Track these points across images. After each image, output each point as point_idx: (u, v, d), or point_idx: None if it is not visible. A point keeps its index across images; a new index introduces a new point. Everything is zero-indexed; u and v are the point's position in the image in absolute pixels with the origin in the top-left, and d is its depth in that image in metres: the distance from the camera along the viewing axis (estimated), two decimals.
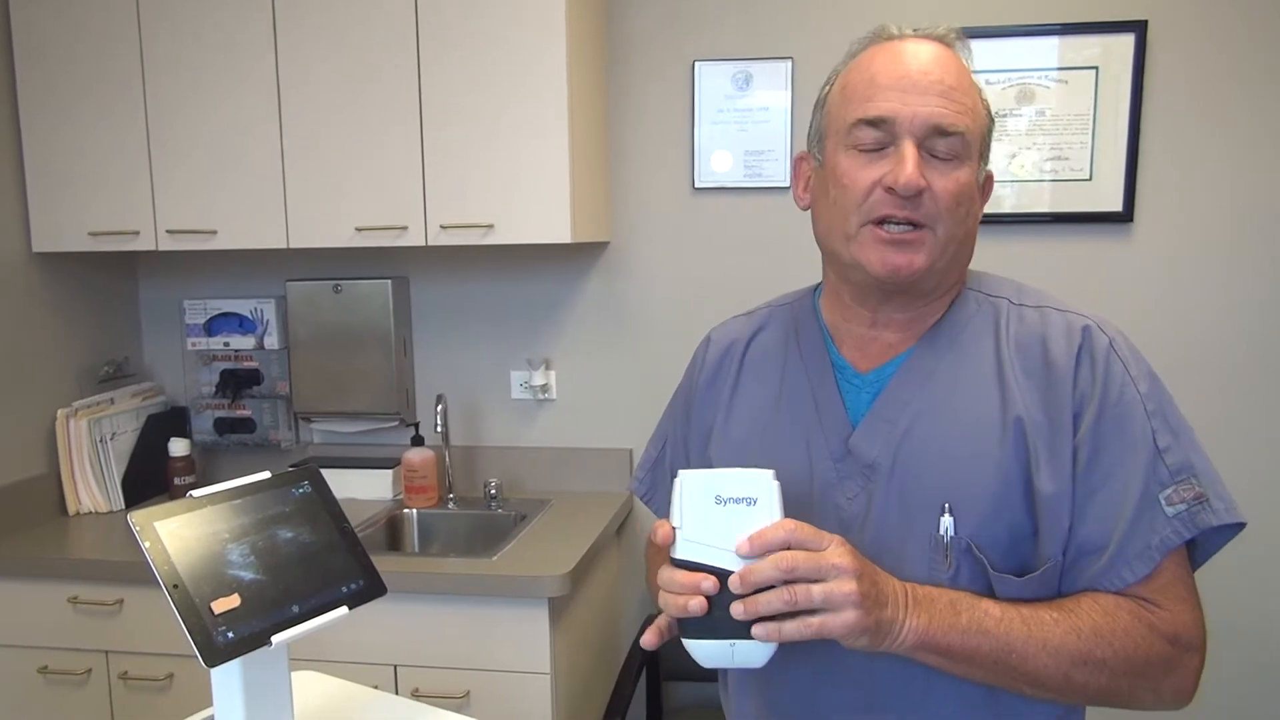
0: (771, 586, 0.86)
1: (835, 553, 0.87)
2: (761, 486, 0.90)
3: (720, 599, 0.88)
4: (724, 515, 0.89)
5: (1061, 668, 0.92)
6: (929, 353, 1.04)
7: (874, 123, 0.98)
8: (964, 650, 0.92)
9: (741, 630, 0.88)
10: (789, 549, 0.87)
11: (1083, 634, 0.93)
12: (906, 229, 0.97)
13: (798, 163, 1.11)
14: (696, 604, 0.88)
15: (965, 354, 1.03)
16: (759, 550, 0.87)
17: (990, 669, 0.93)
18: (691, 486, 0.91)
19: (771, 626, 0.86)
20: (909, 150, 0.95)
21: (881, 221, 0.98)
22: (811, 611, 0.86)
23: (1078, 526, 0.96)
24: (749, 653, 0.89)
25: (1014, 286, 1.08)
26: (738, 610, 0.86)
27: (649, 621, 1.01)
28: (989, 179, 1.07)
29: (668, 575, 0.90)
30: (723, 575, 0.88)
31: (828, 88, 1.06)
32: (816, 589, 0.85)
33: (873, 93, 0.98)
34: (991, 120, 1.04)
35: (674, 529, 0.90)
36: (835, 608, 0.86)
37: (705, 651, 0.90)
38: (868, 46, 1.04)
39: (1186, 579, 0.98)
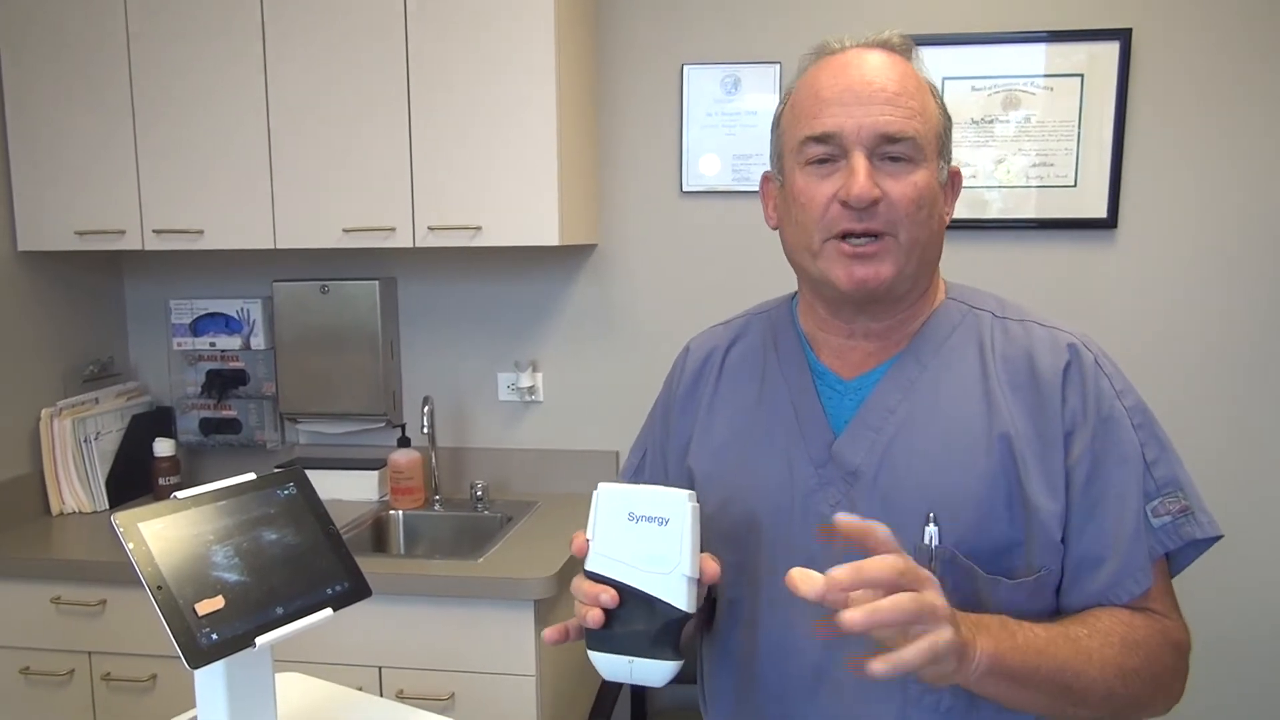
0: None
1: (933, 595, 0.81)
2: (676, 508, 0.89)
3: (624, 614, 0.89)
4: (636, 533, 0.90)
5: (1106, 680, 0.92)
6: (913, 361, 1.04)
7: (822, 138, 0.98)
8: (1025, 671, 0.89)
9: (640, 647, 0.89)
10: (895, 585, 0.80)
11: (1114, 646, 0.93)
12: (868, 241, 0.97)
13: (764, 183, 1.11)
14: (593, 617, 0.89)
15: (949, 363, 1.04)
16: (859, 583, 0.79)
17: (1047, 690, 0.91)
18: (607, 501, 0.92)
19: (892, 658, 0.79)
20: (859, 162, 0.96)
21: (843, 236, 0.98)
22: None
23: (1077, 541, 0.97)
24: (647, 670, 0.89)
25: (996, 300, 1.09)
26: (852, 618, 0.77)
27: None
28: (956, 175, 1.07)
29: (577, 583, 0.92)
30: (627, 591, 0.89)
31: (781, 106, 1.07)
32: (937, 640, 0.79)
33: (818, 109, 0.99)
34: (948, 119, 1.04)
35: (587, 541, 0.91)
36: (939, 657, 0.80)
37: (605, 664, 0.91)
38: (813, 62, 1.04)
39: (1170, 588, 1.00)
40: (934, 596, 0.81)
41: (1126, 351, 1.07)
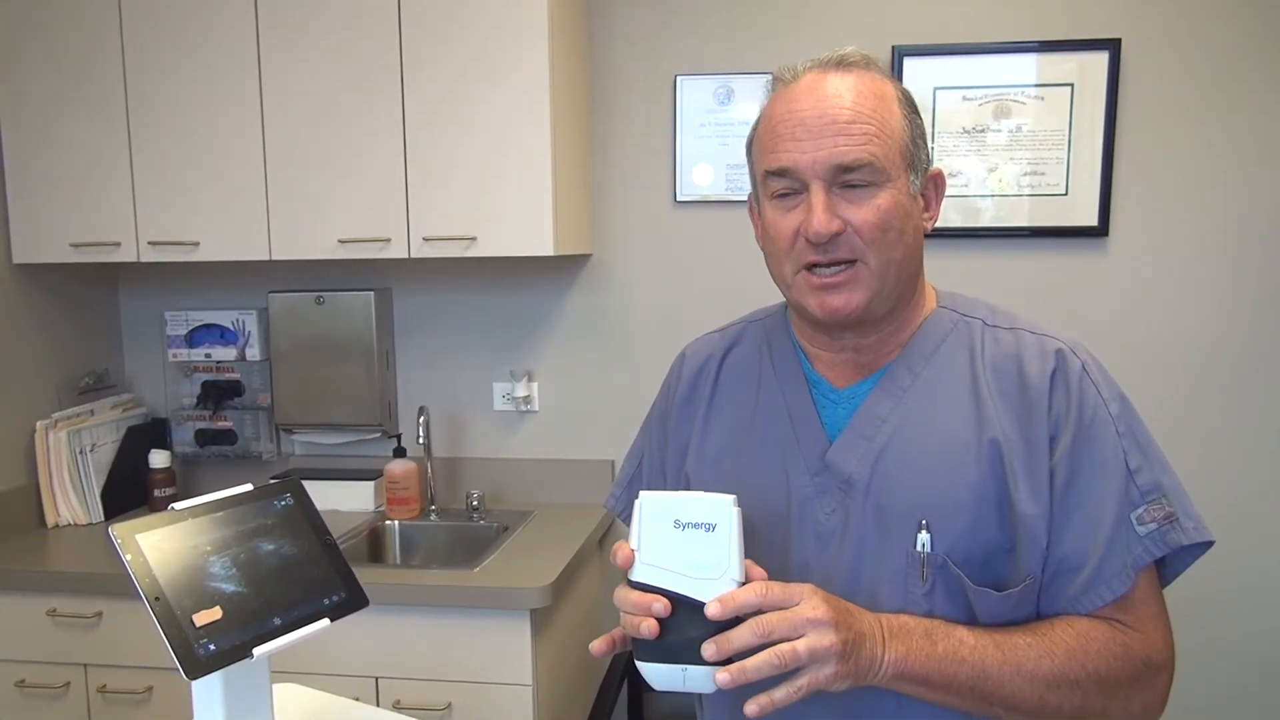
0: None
1: (809, 606, 0.87)
2: (722, 512, 0.89)
3: (674, 623, 0.88)
4: (682, 540, 0.89)
5: (1036, 691, 0.94)
6: (905, 370, 1.05)
7: (779, 173, 0.99)
8: (941, 679, 0.93)
9: (692, 655, 0.88)
10: (760, 611, 0.87)
11: (1056, 656, 0.94)
12: (837, 270, 0.98)
13: (750, 206, 1.12)
14: (647, 627, 0.88)
15: (941, 371, 1.04)
16: (730, 613, 0.86)
17: (967, 695, 0.94)
18: (651, 509, 0.91)
19: (764, 698, 0.86)
20: (816, 197, 0.96)
21: (811, 267, 0.99)
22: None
23: (1055, 546, 0.98)
24: (700, 678, 0.88)
25: (987, 308, 1.09)
26: (724, 680, 0.84)
27: None
28: (937, 179, 1.06)
29: (622, 595, 0.91)
30: (677, 599, 0.88)
31: (751, 133, 1.07)
32: (801, 646, 0.85)
33: (774, 143, 1.00)
34: (917, 127, 1.03)
35: (633, 551, 0.91)
36: (820, 661, 0.86)
37: (657, 674, 0.90)
38: (772, 91, 1.04)
39: (1157, 597, 1.00)
40: (809, 610, 0.87)
41: (1117, 358, 1.08)
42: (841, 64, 1.01)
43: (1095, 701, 0.96)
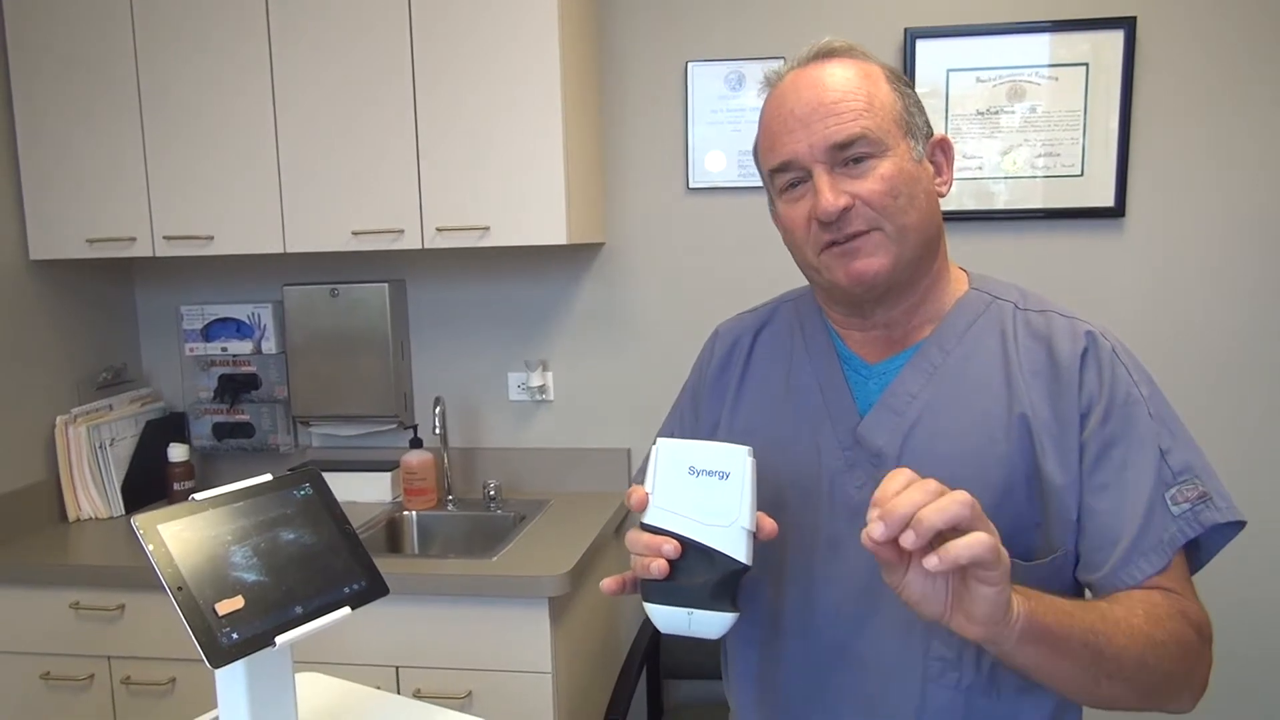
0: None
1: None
2: (736, 462, 0.91)
3: (684, 566, 0.90)
4: (696, 486, 0.91)
5: (1137, 648, 0.90)
6: (936, 348, 1.07)
7: (782, 168, 1.03)
8: (1060, 630, 0.86)
9: (699, 599, 0.90)
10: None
11: (1139, 616, 0.92)
12: (856, 236, 1.00)
13: (771, 214, 1.14)
14: (657, 566, 0.90)
15: (973, 350, 1.06)
16: (889, 513, 0.80)
17: (1080, 655, 0.88)
18: (667, 455, 0.93)
19: (933, 558, 0.78)
20: (821, 180, 0.99)
21: (831, 245, 1.01)
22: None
23: (1088, 521, 0.99)
24: (706, 622, 0.91)
25: (1018, 291, 1.11)
26: (934, 564, 0.77)
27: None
28: (942, 144, 1.08)
29: (634, 536, 0.93)
30: (688, 543, 0.90)
31: (755, 142, 1.10)
32: (1001, 549, 0.80)
33: (772, 141, 1.04)
34: (908, 97, 1.05)
35: (647, 494, 0.93)
36: (1000, 566, 0.80)
37: (663, 616, 0.92)
38: (765, 94, 1.08)
39: (1189, 579, 1.00)
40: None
41: (1134, 340, 1.08)
42: (821, 54, 1.05)
43: (1177, 665, 0.93)
